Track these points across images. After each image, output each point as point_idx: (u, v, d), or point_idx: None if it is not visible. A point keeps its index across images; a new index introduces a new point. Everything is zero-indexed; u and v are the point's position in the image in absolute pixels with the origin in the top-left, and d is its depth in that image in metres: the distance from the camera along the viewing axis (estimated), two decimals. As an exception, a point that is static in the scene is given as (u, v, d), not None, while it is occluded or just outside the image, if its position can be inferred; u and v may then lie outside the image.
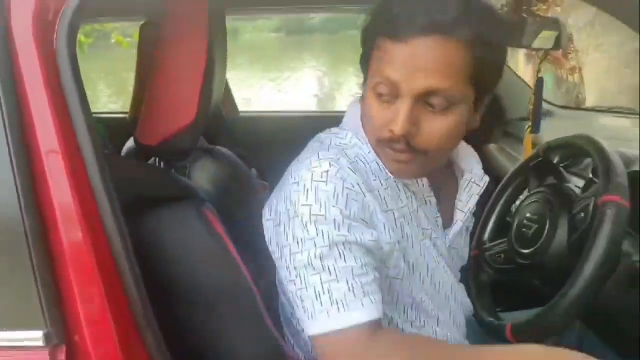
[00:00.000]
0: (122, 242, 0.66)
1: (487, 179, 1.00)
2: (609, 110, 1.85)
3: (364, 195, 0.82)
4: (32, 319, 0.59)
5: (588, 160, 1.21)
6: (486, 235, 1.23)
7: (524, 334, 0.98)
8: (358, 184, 0.82)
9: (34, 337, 0.59)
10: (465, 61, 0.77)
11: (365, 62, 0.86)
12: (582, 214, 0.99)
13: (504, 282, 1.15)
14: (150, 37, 1.16)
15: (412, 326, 0.94)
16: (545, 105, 1.94)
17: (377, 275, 0.81)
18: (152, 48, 0.90)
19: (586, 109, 2.10)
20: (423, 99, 0.79)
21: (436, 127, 0.81)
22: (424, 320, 0.95)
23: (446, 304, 0.98)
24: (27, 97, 0.63)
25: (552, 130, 1.50)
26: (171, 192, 0.96)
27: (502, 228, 1.20)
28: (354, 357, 0.77)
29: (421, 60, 0.76)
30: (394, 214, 0.87)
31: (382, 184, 0.87)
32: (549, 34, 1.24)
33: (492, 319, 1.08)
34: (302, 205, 0.79)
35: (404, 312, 0.93)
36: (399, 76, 0.78)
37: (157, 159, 1.06)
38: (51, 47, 0.64)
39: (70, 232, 0.63)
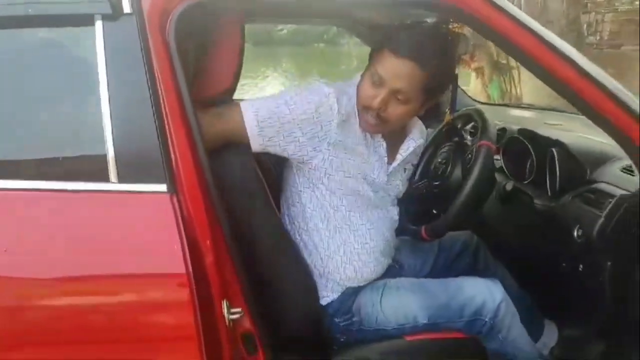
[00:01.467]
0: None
1: (421, 141, 1.56)
2: (514, 105, 2.52)
3: (332, 125, 1.33)
4: (160, 179, 1.10)
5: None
6: (416, 177, 1.79)
7: (433, 232, 1.54)
8: (337, 113, 1.32)
9: (161, 189, 1.09)
10: (423, 80, 1.32)
11: (372, 56, 1.37)
12: (470, 156, 1.56)
13: (423, 205, 1.71)
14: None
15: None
16: (471, 101, 2.58)
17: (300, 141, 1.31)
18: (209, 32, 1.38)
19: (498, 104, 2.76)
20: (394, 92, 1.33)
21: (396, 110, 1.35)
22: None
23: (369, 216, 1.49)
24: (154, 70, 1.12)
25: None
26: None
27: (424, 172, 1.77)
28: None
29: (401, 72, 1.30)
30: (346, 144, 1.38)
31: (352, 124, 1.39)
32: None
33: (414, 227, 1.63)
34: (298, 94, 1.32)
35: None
36: (386, 76, 1.31)
37: None
38: (165, 37, 1.14)
39: (180, 147, 1.10)
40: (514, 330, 1.47)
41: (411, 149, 1.52)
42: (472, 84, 7.24)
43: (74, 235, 1.08)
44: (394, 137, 1.49)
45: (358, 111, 1.38)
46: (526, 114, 2.41)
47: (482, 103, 2.67)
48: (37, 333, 1.07)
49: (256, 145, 1.32)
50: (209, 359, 1.10)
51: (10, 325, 1.07)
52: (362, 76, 1.41)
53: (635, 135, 1.22)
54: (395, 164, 1.50)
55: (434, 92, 1.38)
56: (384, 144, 1.46)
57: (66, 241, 1.08)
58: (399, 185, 1.57)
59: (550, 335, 1.81)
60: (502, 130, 1.95)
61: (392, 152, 1.49)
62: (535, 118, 2.22)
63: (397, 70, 1.31)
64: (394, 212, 1.57)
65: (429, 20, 1.47)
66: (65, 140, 1.13)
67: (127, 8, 1.10)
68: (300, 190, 1.44)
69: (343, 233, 1.44)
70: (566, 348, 1.76)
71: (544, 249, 1.65)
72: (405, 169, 1.58)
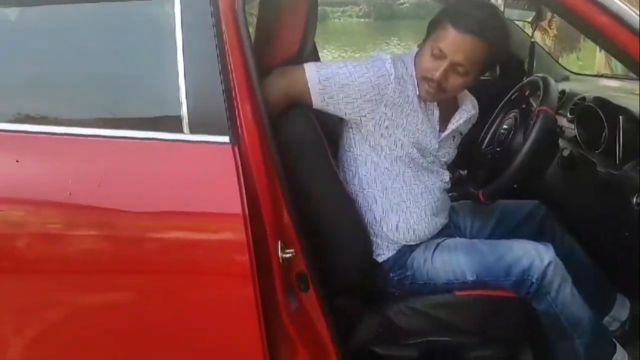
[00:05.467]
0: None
1: (473, 112, 1.64)
2: (610, 77, 2.43)
3: (388, 90, 1.43)
4: (224, 130, 1.27)
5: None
6: (484, 143, 1.83)
7: (489, 195, 1.60)
8: (394, 78, 1.42)
9: (225, 140, 1.26)
10: (483, 53, 1.41)
11: (431, 30, 1.46)
12: (532, 121, 1.59)
13: (486, 171, 1.75)
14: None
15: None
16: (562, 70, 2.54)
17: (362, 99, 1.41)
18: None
19: (595, 75, 2.67)
20: (454, 65, 1.41)
21: (456, 81, 1.44)
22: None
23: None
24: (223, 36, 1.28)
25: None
26: None
27: (491, 138, 1.80)
28: None
29: (463, 47, 1.39)
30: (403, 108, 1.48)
31: (409, 91, 1.48)
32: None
33: (474, 190, 1.68)
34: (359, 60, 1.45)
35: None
36: (447, 50, 1.40)
37: None
38: (233, 9, 1.28)
39: (244, 104, 1.26)
40: (564, 293, 1.49)
41: (463, 119, 1.60)
42: (597, 57, 6.85)
43: (149, 175, 1.28)
44: (447, 107, 1.58)
45: (417, 80, 1.47)
46: (620, 84, 2.33)
47: (576, 73, 2.60)
48: (108, 262, 1.29)
49: (317, 102, 1.44)
50: (263, 295, 1.25)
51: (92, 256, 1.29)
52: (420, 47, 1.49)
53: None
54: (446, 132, 1.58)
55: (493, 64, 1.48)
56: (437, 112, 1.54)
57: (144, 181, 1.28)
58: (449, 152, 1.64)
59: (621, 309, 1.79)
60: (581, 100, 1.92)
61: (444, 120, 1.58)
62: (628, 88, 2.14)
63: (459, 45, 1.39)
64: (445, 176, 1.65)
65: None
66: (146, 96, 1.34)
67: None
68: (356, 153, 1.55)
69: (396, 194, 1.54)
70: (637, 323, 1.74)
71: (606, 218, 1.64)
72: (454, 137, 1.65)
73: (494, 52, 1.43)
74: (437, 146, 1.56)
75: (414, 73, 1.48)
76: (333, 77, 1.41)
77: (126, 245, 1.28)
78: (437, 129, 1.55)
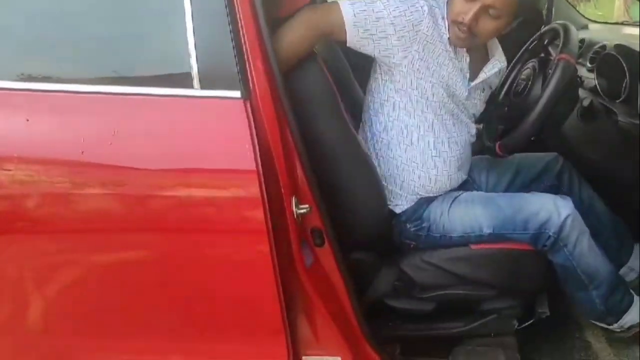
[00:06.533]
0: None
1: (504, 64, 1.60)
2: (631, 24, 2.34)
3: (422, 27, 1.40)
4: (235, 85, 1.24)
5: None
6: (501, 95, 1.78)
7: (506, 147, 1.57)
8: (427, 15, 1.39)
9: (236, 95, 1.23)
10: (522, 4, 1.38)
11: None
12: (551, 70, 1.54)
13: (503, 123, 1.71)
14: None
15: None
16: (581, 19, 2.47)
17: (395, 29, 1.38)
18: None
19: (606, 22, 2.59)
20: (486, 8, 1.37)
21: (487, 25, 1.41)
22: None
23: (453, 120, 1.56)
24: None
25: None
26: None
27: (508, 90, 1.76)
28: None
29: None
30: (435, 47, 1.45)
31: (441, 34, 1.45)
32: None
33: (490, 143, 1.65)
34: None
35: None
36: None
37: None
38: None
39: (255, 57, 1.22)
40: (582, 246, 1.48)
41: (495, 69, 1.57)
42: (615, 5, 6.67)
43: (161, 133, 1.27)
44: (478, 56, 1.54)
45: (448, 25, 1.44)
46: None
47: (594, 22, 2.51)
48: (124, 220, 1.29)
49: (351, 37, 1.40)
50: (278, 250, 1.25)
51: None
52: None
53: None
54: (477, 81, 1.55)
55: (524, 8, 1.44)
56: (468, 59, 1.51)
57: (155, 138, 1.27)
58: (477, 104, 1.61)
59: (639, 259, 1.78)
60: (602, 48, 1.86)
61: (474, 70, 1.54)
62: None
63: None
64: (472, 129, 1.62)
65: None
66: (155, 53, 1.31)
67: None
68: (383, 99, 1.53)
69: (423, 141, 1.53)
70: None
71: (627, 169, 1.60)
72: (484, 89, 1.62)
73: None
74: (466, 94, 1.54)
75: (445, 14, 1.45)
76: (367, 10, 1.38)
77: (141, 203, 1.28)
78: (467, 76, 1.53)
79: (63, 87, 1.28)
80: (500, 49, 1.60)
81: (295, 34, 1.34)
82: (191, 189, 1.27)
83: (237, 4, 1.22)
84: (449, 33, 1.44)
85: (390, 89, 1.50)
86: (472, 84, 1.54)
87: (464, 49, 1.49)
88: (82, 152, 1.24)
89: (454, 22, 1.42)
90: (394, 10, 1.38)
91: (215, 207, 1.27)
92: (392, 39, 1.39)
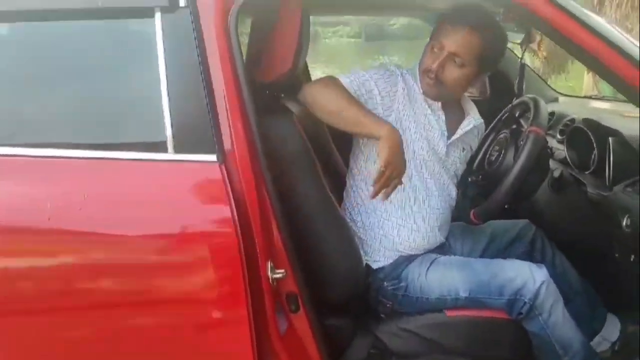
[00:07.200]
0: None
1: (480, 122, 1.68)
2: (598, 98, 2.46)
3: (399, 87, 1.53)
4: (210, 150, 1.25)
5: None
6: (475, 164, 1.82)
7: (480, 215, 1.60)
8: (400, 77, 1.54)
9: (212, 159, 1.23)
10: (478, 46, 1.49)
11: (432, 32, 1.54)
12: (522, 142, 1.59)
13: (477, 191, 1.75)
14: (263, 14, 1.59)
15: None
16: (553, 93, 2.58)
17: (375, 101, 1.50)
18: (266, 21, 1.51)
19: (584, 97, 2.70)
20: (452, 56, 1.47)
21: (453, 73, 1.50)
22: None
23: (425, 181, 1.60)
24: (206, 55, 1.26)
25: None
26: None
27: (481, 159, 1.80)
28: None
29: (458, 37, 1.47)
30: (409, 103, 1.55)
31: (415, 91, 1.56)
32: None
33: (464, 210, 1.67)
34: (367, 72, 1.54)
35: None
36: (445, 42, 1.48)
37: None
38: (226, 29, 1.27)
39: (235, 119, 1.24)
40: (557, 314, 1.48)
41: (471, 126, 1.65)
42: (585, 79, 6.95)
43: (137, 199, 1.26)
44: (454, 114, 1.64)
45: (420, 79, 1.56)
46: (608, 105, 2.35)
47: (564, 95, 2.62)
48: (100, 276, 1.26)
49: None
50: (254, 314, 1.23)
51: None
52: (423, 51, 1.57)
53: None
54: (455, 137, 1.62)
55: (487, 62, 1.54)
56: (443, 116, 1.59)
57: (131, 202, 1.26)
58: (457, 163, 1.67)
59: (611, 329, 1.78)
60: (571, 121, 1.93)
61: (452, 127, 1.63)
62: (616, 110, 2.16)
63: (454, 36, 1.48)
64: (452, 190, 1.67)
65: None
66: (130, 117, 1.32)
67: (182, 2, 1.26)
68: (367, 154, 1.58)
69: (403, 196, 1.57)
70: (627, 343, 1.73)
71: (596, 239, 1.64)
72: (463, 149, 1.68)
73: (490, 47, 1.51)
74: (445, 150, 1.59)
75: (417, 74, 1.58)
76: (356, 78, 1.52)
77: (116, 269, 1.26)
78: (446, 134, 1.60)
79: (33, 152, 1.27)
80: (476, 109, 1.69)
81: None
82: (167, 255, 1.26)
83: (218, 67, 1.25)
84: (421, 84, 1.55)
85: (374, 145, 1.54)
86: (450, 140, 1.61)
87: (440, 107, 1.58)
88: (49, 218, 1.21)
89: (424, 72, 1.53)
90: (375, 75, 1.54)
91: (192, 272, 1.26)
92: (377, 98, 1.51)
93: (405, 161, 1.42)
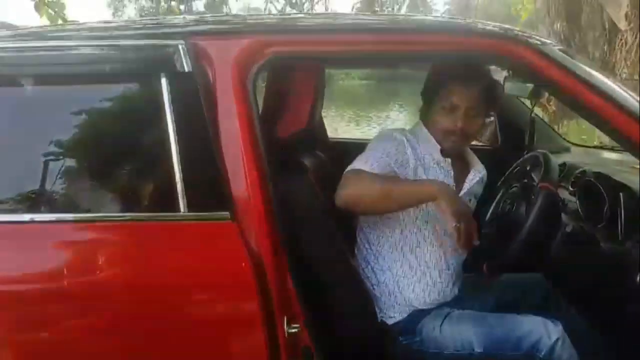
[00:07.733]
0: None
1: (484, 173, 1.74)
2: (608, 148, 2.48)
3: (408, 154, 1.56)
4: (225, 208, 1.29)
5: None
6: (487, 217, 1.84)
7: (492, 270, 1.61)
8: (407, 142, 1.57)
9: (226, 216, 1.28)
10: (480, 95, 1.57)
11: (429, 97, 1.63)
12: (534, 197, 1.61)
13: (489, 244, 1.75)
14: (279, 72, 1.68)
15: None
16: (564, 143, 2.61)
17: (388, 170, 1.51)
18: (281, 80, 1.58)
19: (594, 147, 2.72)
20: (467, 111, 1.56)
21: (473, 125, 1.60)
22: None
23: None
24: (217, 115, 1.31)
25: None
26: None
27: (493, 212, 1.82)
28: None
29: (468, 92, 1.56)
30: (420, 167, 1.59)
31: (426, 155, 1.60)
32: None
33: (476, 264, 1.68)
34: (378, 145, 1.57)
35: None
36: (459, 101, 1.56)
37: None
38: (245, 84, 1.33)
39: (251, 174, 1.30)
40: None
41: (477, 179, 1.71)
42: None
43: (152, 258, 1.31)
44: (459, 169, 1.68)
45: (439, 138, 1.62)
46: (619, 156, 2.37)
47: (576, 145, 2.65)
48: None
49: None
50: None
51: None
52: (425, 116, 1.66)
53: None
54: (463, 190, 1.67)
55: (490, 103, 1.64)
56: (452, 172, 1.64)
57: (147, 263, 1.31)
58: None
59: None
60: (582, 173, 1.95)
61: (459, 180, 1.68)
62: (626, 160, 2.18)
63: (467, 93, 1.57)
64: None
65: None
66: (143, 177, 1.39)
67: (187, 68, 1.30)
68: (382, 215, 1.61)
69: (417, 254, 1.61)
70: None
71: (610, 294, 1.64)
72: (470, 200, 1.72)
73: (486, 91, 1.60)
74: None
75: (428, 136, 1.63)
76: (373, 160, 1.52)
77: (136, 332, 1.30)
78: (454, 188, 1.63)
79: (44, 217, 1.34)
80: (477, 158, 1.76)
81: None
82: (184, 314, 1.30)
83: (232, 124, 1.30)
84: (442, 145, 1.61)
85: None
86: (460, 194, 1.64)
87: (449, 163, 1.63)
88: (66, 283, 1.26)
89: (447, 134, 1.60)
90: (385, 149, 1.56)
91: (215, 330, 1.30)
92: (391, 166, 1.53)
93: (467, 204, 1.53)
